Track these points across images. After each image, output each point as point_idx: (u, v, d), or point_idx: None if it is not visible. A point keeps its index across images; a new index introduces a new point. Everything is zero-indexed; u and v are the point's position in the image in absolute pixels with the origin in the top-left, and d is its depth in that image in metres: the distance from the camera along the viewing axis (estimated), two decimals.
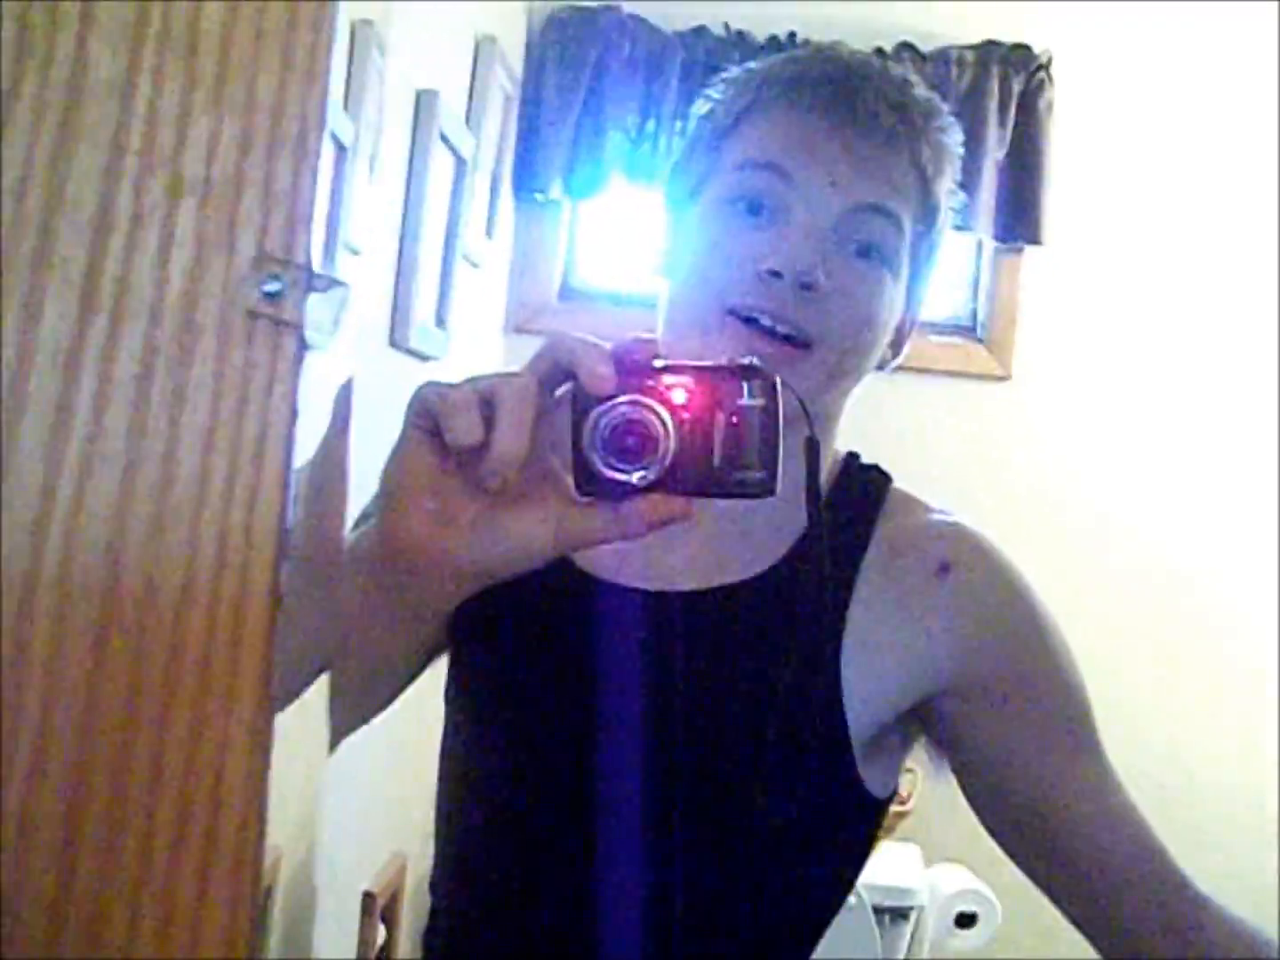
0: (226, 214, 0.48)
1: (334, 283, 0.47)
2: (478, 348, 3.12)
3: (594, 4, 3.35)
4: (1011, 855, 1.24)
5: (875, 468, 1.30)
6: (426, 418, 0.84)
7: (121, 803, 0.50)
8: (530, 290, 3.46)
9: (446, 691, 1.29)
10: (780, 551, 1.22)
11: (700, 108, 1.26)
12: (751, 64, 1.26)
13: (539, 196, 3.36)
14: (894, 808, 3.17)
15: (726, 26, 3.37)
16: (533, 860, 1.22)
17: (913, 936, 3.13)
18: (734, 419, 0.83)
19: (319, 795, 2.15)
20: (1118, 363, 3.50)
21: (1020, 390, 3.51)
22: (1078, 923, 1.22)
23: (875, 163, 1.16)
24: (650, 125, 3.32)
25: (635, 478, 0.82)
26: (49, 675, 0.46)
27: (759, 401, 0.83)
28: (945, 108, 1.24)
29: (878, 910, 2.99)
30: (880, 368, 1.25)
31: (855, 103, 1.16)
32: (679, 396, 0.83)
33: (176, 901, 0.51)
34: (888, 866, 3.11)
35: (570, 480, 0.84)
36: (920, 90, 1.22)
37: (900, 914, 3.08)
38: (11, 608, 0.47)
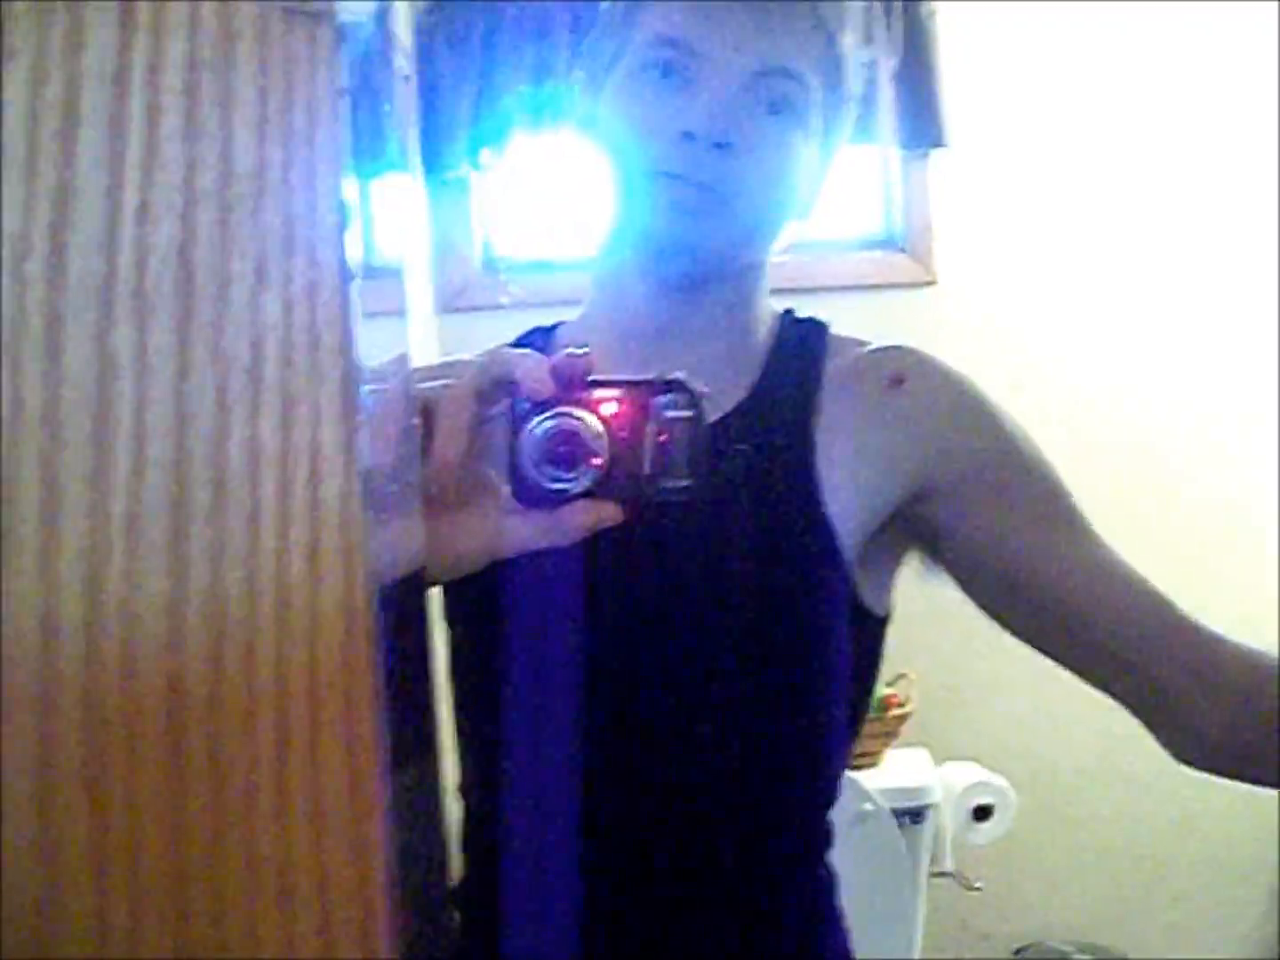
0: None
1: None
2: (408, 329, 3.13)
3: None
4: (1031, 643, 1.28)
5: (811, 319, 1.35)
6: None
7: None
8: (453, 268, 3.48)
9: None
10: (739, 396, 1.28)
11: None
12: None
13: (448, 174, 3.38)
14: (894, 710, 3.21)
15: None
16: (556, 734, 1.24)
17: (933, 835, 3.16)
18: (661, 430, 0.87)
19: None
20: (1038, 252, 3.55)
21: (947, 293, 3.55)
22: (1105, 688, 1.26)
23: (776, 26, 1.22)
24: (547, 87, 3.33)
25: (569, 486, 0.86)
26: (131, 502, 0.48)
27: (685, 413, 0.88)
28: None
29: (895, 813, 3.03)
30: (799, 218, 1.31)
31: None
32: (610, 409, 0.87)
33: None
34: (899, 770, 3.15)
35: (507, 489, 0.88)
36: None
37: (917, 814, 3.11)
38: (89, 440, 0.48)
